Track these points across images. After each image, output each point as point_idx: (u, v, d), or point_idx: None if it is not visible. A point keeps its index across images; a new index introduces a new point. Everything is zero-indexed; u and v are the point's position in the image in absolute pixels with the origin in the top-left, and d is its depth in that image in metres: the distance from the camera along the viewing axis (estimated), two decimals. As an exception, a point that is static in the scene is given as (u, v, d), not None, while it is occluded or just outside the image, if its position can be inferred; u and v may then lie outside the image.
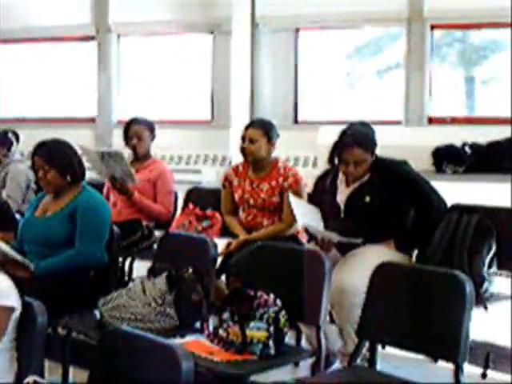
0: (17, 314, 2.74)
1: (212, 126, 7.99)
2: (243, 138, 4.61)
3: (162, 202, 5.19)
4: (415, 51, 7.45)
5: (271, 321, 3.18)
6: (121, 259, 4.64)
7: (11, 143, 6.16)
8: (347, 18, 7.54)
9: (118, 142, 6.52)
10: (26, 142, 6.52)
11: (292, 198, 4.10)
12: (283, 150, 4.76)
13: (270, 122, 4.72)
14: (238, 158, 5.55)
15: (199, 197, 5.41)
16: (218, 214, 4.87)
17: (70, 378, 3.78)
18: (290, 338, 3.45)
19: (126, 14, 8.23)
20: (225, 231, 4.78)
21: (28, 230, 4.09)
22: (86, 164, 4.24)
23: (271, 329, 3.17)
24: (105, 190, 5.23)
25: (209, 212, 4.90)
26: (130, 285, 3.73)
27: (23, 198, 5.87)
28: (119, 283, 4.17)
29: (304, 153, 7.41)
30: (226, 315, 3.27)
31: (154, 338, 2.49)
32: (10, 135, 6.23)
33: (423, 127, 7.46)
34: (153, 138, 5.38)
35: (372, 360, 3.17)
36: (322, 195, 4.12)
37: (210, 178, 7.53)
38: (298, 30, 7.91)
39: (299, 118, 7.92)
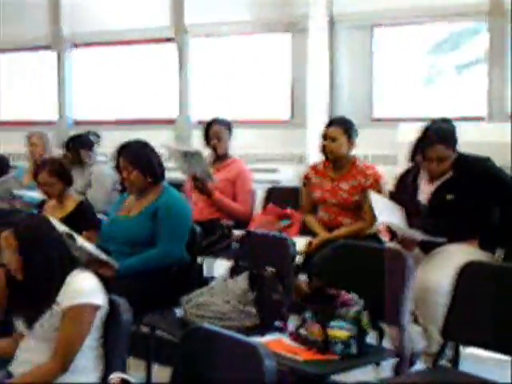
0: (103, 311, 2.80)
1: (289, 124, 7.97)
2: (324, 136, 4.60)
3: (242, 201, 5.21)
4: (496, 46, 7.26)
5: (353, 320, 3.16)
6: (201, 258, 4.68)
7: (93, 144, 6.29)
8: (425, 13, 7.41)
9: (197, 143, 6.56)
10: (109, 143, 6.67)
11: (373, 195, 4.06)
12: (361, 147, 4.72)
13: (350, 121, 4.69)
14: (315, 157, 5.52)
15: (278, 196, 5.42)
16: (297, 213, 4.86)
17: (153, 375, 3.83)
18: (371, 338, 3.41)
19: (203, 15, 8.30)
20: (304, 230, 4.77)
21: (112, 229, 4.17)
22: (170, 164, 4.30)
23: (353, 328, 3.14)
24: (186, 190, 5.29)
25: (288, 211, 4.89)
26: (212, 283, 3.76)
27: (108, 199, 5.96)
28: (200, 282, 4.21)
29: (382, 151, 7.31)
30: (307, 314, 3.26)
31: (237, 336, 2.50)
32: (92, 137, 6.37)
33: (506, 123, 7.28)
34: (230, 137, 5.42)
35: (456, 360, 3.11)
36: (403, 193, 4.07)
37: (288, 177, 7.52)
38: (375, 26, 7.83)
39: (377, 116, 7.83)
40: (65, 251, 2.84)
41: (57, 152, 6.50)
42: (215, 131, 5.35)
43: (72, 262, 2.84)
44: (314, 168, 4.76)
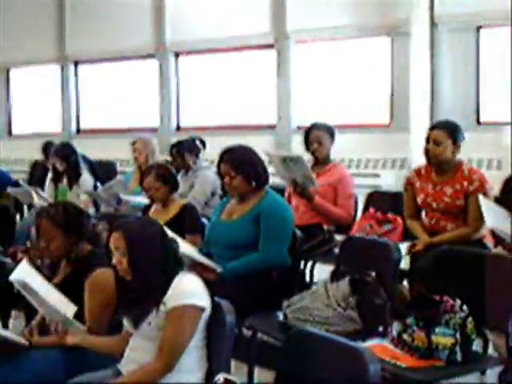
0: (207, 313, 2.85)
1: (391, 128, 7.90)
2: (427, 140, 4.52)
3: (343, 206, 5.19)
4: None
5: (458, 327, 3.10)
6: (302, 262, 4.68)
7: (199, 150, 6.40)
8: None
9: (297, 148, 6.60)
10: (210, 149, 6.78)
11: (482, 200, 3.96)
12: (465, 151, 4.62)
13: (455, 124, 4.60)
14: (417, 161, 5.45)
15: (380, 200, 5.38)
16: (399, 218, 4.81)
17: (255, 378, 3.86)
18: (476, 345, 3.34)
19: (304, 21, 8.32)
20: (406, 235, 4.71)
21: (214, 233, 4.23)
22: (270, 169, 4.33)
23: (458, 335, 3.09)
24: (286, 194, 5.31)
25: (390, 216, 4.85)
26: (314, 288, 3.77)
27: (206, 203, 6.06)
28: (301, 286, 4.22)
29: (487, 155, 7.15)
30: (410, 320, 3.23)
31: (341, 340, 2.50)
32: (197, 143, 6.47)
33: None
34: (332, 142, 5.42)
35: None
36: (510, 199, 3.96)
37: (389, 181, 7.45)
38: (479, 27, 7.67)
39: (482, 119, 7.66)
40: (172, 253, 2.91)
41: (160, 158, 6.65)
42: (316, 136, 5.35)
43: (178, 263, 2.91)
44: (417, 172, 4.69)
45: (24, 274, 3.13)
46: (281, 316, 3.69)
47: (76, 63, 10.32)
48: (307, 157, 5.41)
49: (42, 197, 6.47)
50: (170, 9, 9.22)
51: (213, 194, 6.15)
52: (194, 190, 6.09)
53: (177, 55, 9.38)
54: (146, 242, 2.86)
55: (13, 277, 3.12)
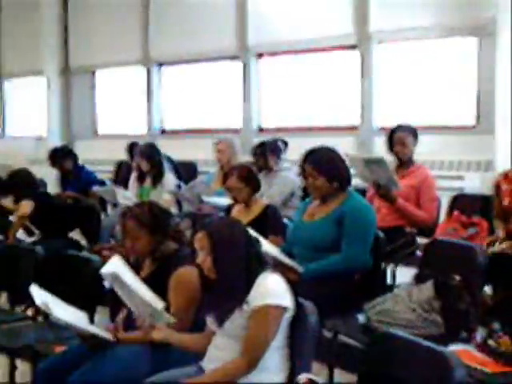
0: (290, 313, 2.86)
1: (476, 130, 7.74)
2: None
3: (426, 209, 5.13)
4: None
5: (546, 333, 3.03)
6: (384, 264, 4.65)
7: (281, 151, 6.42)
8: None
9: (379, 149, 6.54)
10: (292, 150, 6.78)
11: None
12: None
13: None
14: (502, 164, 5.34)
15: (464, 203, 5.28)
16: (484, 222, 4.72)
17: (335, 379, 3.85)
18: None
19: (387, 21, 8.25)
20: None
21: (296, 233, 4.24)
22: (351, 171, 4.31)
23: (546, 341, 3.02)
24: (368, 196, 5.28)
25: (475, 219, 4.76)
26: (396, 290, 3.74)
27: (284, 203, 6.05)
28: (383, 288, 4.19)
29: None
30: (495, 325, 3.17)
31: (427, 344, 2.47)
32: (280, 144, 6.50)
33: None
34: (415, 143, 5.36)
35: None
36: None
37: (473, 184, 7.30)
38: None
39: None
40: (255, 253, 2.93)
41: (242, 159, 6.70)
42: (399, 137, 5.31)
43: (262, 263, 2.93)
44: (505, 175, 4.60)
45: (116, 267, 3.20)
46: (362, 318, 3.67)
47: (160, 65, 10.48)
48: (389, 158, 5.36)
49: (126, 196, 6.61)
50: (253, 10, 9.26)
51: (291, 195, 6.16)
52: (272, 190, 6.11)
53: (259, 56, 9.42)
54: (230, 241, 2.89)
55: (104, 269, 3.20)
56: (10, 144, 12.13)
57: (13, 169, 6.72)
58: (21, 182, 6.30)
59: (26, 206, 6.14)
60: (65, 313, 3.28)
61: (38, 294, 3.33)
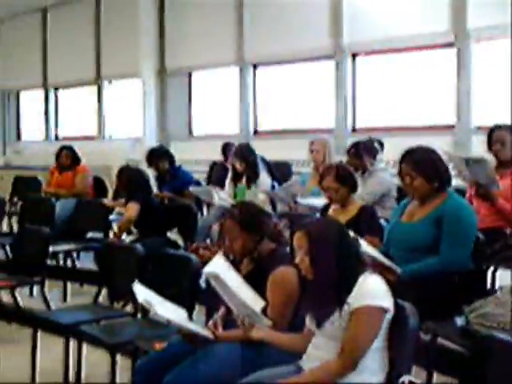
0: (390, 315, 2.84)
1: None
2: None
3: (528, 210, 4.99)
4: None
5: None
6: (485, 267, 4.54)
7: (377, 152, 6.36)
8: None
9: (476, 149, 6.41)
10: (390, 150, 6.71)
11: None
12: None
13: None
14: None
15: None
16: None
17: (434, 383, 3.79)
18: None
19: (484, 19, 8.07)
20: None
21: (394, 234, 4.19)
22: (451, 171, 4.23)
23: None
24: (467, 197, 5.17)
25: None
26: (498, 293, 3.64)
27: (374, 203, 5.97)
28: (482, 291, 4.09)
29: None
30: None
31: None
32: (375, 144, 6.44)
33: None
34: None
35: None
36: None
37: None
38: None
39: None
40: (355, 253, 2.92)
41: (336, 159, 6.67)
42: (498, 136, 5.18)
43: (361, 263, 2.92)
44: None
45: (218, 267, 3.25)
46: (460, 321, 3.60)
47: (254, 66, 10.56)
48: (489, 157, 5.24)
49: (222, 197, 6.68)
50: (348, 9, 9.21)
51: (385, 196, 6.09)
52: (364, 190, 6.06)
53: (354, 56, 9.37)
54: (328, 241, 2.89)
55: (206, 270, 3.25)
56: (108, 145, 12.46)
57: (110, 169, 6.88)
58: (136, 183, 6.43)
59: (134, 209, 6.28)
60: (166, 310, 3.35)
61: (141, 292, 3.41)
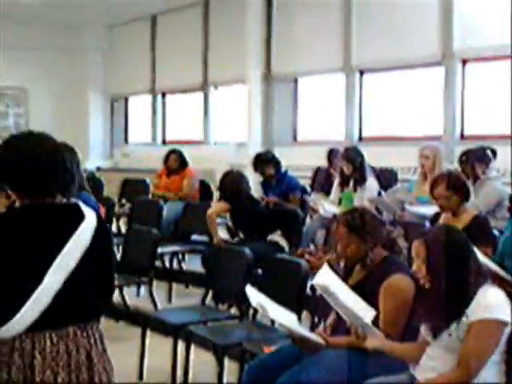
0: (509, 328, 2.76)
1: None
2: None
3: None
4: None
5: None
6: None
7: (489, 160, 6.19)
8: None
9: None
10: (501, 158, 6.53)
11: None
12: None
13: None
14: None
15: None
16: None
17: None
18: None
19: None
20: None
21: (508, 245, 4.08)
22: None
23: None
24: None
25: None
26: None
27: (488, 213, 5.82)
28: None
29: None
30: None
31: None
32: (488, 152, 6.27)
33: None
34: None
35: None
36: None
37: None
38: None
39: None
40: (474, 264, 2.85)
41: (445, 166, 6.53)
42: None
43: (481, 275, 2.85)
44: None
45: (325, 278, 3.25)
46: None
47: (361, 72, 10.47)
48: None
49: (326, 208, 6.64)
50: (459, 14, 9.01)
51: (498, 206, 5.93)
52: (478, 199, 5.90)
53: (464, 62, 9.16)
54: (447, 251, 2.83)
55: (315, 281, 3.27)
56: (213, 150, 12.61)
57: (215, 174, 7.00)
58: (228, 184, 6.54)
59: (217, 206, 6.44)
60: (278, 314, 3.36)
61: (254, 295, 3.43)
